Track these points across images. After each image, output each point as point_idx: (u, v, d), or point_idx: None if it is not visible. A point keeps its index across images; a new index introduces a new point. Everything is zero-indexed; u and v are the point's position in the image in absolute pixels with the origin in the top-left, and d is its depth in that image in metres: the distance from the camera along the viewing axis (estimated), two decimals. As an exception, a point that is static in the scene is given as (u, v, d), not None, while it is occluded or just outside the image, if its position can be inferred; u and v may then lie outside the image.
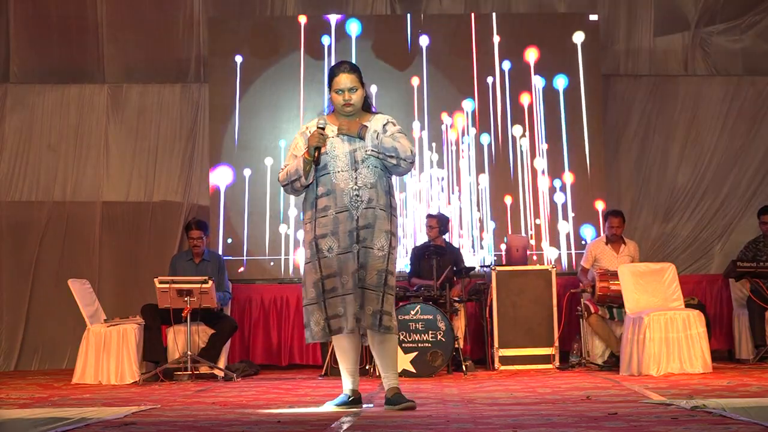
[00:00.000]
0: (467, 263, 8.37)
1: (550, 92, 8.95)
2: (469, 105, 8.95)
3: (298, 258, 8.76)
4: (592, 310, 7.58)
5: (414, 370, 6.99)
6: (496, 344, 7.71)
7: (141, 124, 9.31)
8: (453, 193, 8.87)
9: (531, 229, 8.80)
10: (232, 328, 7.59)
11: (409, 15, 9.16)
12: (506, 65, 8.96)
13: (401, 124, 4.83)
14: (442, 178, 8.89)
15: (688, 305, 7.28)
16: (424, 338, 7.07)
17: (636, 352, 6.66)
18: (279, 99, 8.95)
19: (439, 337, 7.09)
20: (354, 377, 4.71)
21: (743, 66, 9.53)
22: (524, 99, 8.95)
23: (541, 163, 8.89)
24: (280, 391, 5.93)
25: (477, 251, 8.79)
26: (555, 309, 7.76)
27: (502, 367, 7.64)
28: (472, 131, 8.90)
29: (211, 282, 7.05)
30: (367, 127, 4.61)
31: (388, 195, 4.62)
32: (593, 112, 8.94)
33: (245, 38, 9.02)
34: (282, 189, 4.76)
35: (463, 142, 8.90)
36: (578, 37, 8.97)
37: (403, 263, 8.30)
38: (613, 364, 7.32)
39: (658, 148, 9.36)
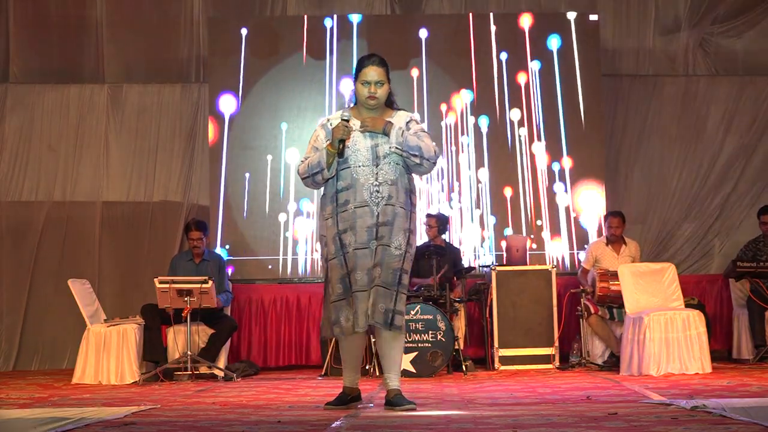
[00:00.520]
0: (470, 266, 8.38)
1: (550, 92, 8.95)
2: (467, 96, 8.94)
3: (298, 258, 8.76)
4: (592, 311, 7.58)
5: (414, 370, 6.99)
6: (496, 344, 7.71)
7: (141, 124, 9.31)
8: (453, 191, 8.86)
9: (533, 220, 8.77)
10: (231, 328, 7.59)
11: (408, 15, 9.17)
12: (505, 64, 8.96)
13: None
14: (442, 176, 8.88)
15: (688, 305, 7.28)
16: (424, 338, 7.07)
17: (636, 352, 6.67)
18: (279, 99, 8.95)
19: (439, 337, 7.09)
20: (356, 373, 4.72)
21: (743, 66, 9.52)
22: (524, 99, 8.94)
23: (541, 163, 8.89)
24: (280, 391, 5.93)
25: (479, 256, 8.78)
26: (555, 309, 7.77)
27: (502, 367, 7.64)
28: (471, 131, 8.89)
29: (211, 282, 7.05)
30: (392, 123, 4.57)
31: (408, 192, 4.57)
32: (593, 112, 8.93)
33: (245, 38, 9.02)
34: (302, 181, 4.67)
35: (462, 130, 8.87)
36: (578, 37, 8.96)
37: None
38: (613, 364, 7.32)
39: (658, 148, 9.36)
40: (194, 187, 9.24)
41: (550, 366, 7.63)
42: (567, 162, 8.88)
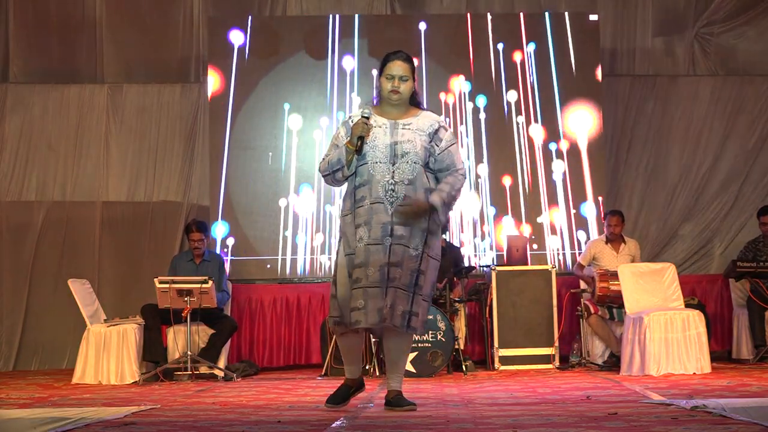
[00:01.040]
0: (470, 265, 8.37)
1: (549, 92, 8.95)
2: (465, 86, 8.94)
3: (297, 258, 8.76)
4: (592, 310, 7.58)
5: (414, 370, 6.98)
6: (496, 344, 7.71)
7: (141, 124, 9.30)
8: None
9: (533, 211, 8.78)
10: (232, 328, 7.59)
11: (409, 14, 9.18)
12: (504, 64, 8.96)
13: None
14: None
15: (688, 305, 7.29)
16: (424, 338, 7.07)
17: (636, 352, 6.67)
18: (279, 99, 8.94)
19: (439, 337, 7.09)
20: (358, 365, 4.73)
21: (744, 66, 9.52)
22: (523, 99, 8.94)
23: (541, 162, 8.90)
24: (280, 391, 5.93)
25: (480, 255, 8.77)
26: (555, 309, 7.77)
27: (502, 367, 7.64)
28: (471, 128, 8.90)
29: (211, 282, 7.05)
30: (435, 207, 4.47)
31: (427, 191, 4.50)
32: (593, 112, 8.93)
33: (245, 38, 9.01)
34: (323, 179, 4.62)
35: (462, 117, 8.88)
36: (578, 37, 8.96)
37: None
38: (613, 364, 7.32)
39: (658, 148, 9.35)
40: (194, 187, 9.24)
41: (550, 366, 7.63)
42: (566, 162, 8.89)
